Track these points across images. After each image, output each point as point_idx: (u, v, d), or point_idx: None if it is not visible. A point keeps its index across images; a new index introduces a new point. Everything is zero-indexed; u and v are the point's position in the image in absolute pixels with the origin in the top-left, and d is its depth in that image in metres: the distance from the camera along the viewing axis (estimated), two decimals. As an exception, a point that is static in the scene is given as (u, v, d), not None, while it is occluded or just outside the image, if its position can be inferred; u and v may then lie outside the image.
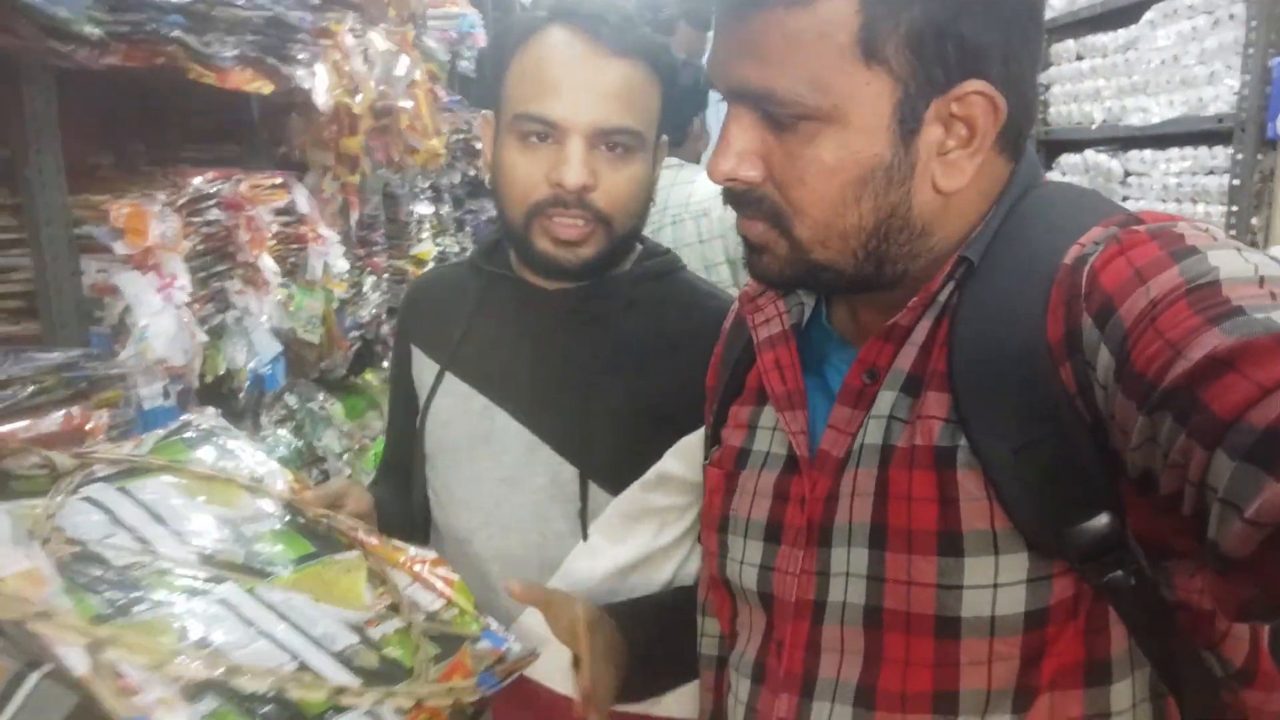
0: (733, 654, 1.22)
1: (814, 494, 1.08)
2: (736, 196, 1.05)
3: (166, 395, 1.86)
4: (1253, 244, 3.00)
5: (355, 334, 3.25)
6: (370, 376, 3.71)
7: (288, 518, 1.27)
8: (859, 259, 1.02)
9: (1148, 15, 3.60)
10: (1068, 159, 4.11)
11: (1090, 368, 0.87)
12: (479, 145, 4.60)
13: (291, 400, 2.85)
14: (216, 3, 1.91)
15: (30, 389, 1.50)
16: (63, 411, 1.54)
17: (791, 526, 1.10)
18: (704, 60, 3.37)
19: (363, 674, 1.03)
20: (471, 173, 4.93)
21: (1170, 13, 3.48)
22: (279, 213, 2.47)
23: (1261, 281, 0.80)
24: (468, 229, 4.97)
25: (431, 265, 3.94)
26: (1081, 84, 4.04)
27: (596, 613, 1.35)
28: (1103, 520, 0.90)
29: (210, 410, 1.45)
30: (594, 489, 1.50)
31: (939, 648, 0.98)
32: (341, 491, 1.38)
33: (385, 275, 3.59)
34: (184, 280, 1.87)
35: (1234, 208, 3.12)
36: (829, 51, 0.94)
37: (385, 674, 1.05)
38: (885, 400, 1.03)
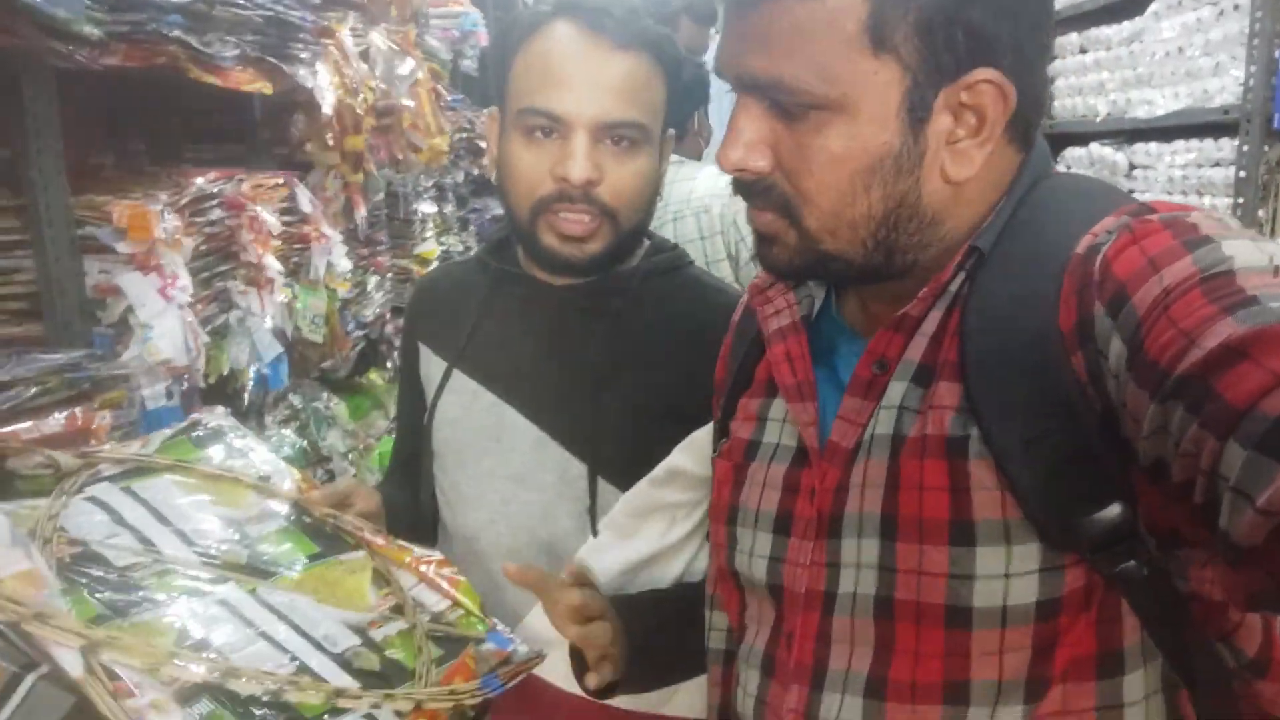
0: (741, 646, 1.22)
1: (824, 485, 1.07)
2: (746, 187, 1.04)
3: (170, 395, 1.86)
4: (1259, 236, 2.98)
5: (359, 333, 3.25)
6: (375, 376, 3.71)
7: (294, 517, 1.27)
8: (868, 248, 1.01)
9: (1152, 7, 3.59)
10: (1072, 152, 4.10)
11: (1102, 356, 0.87)
12: (483, 144, 4.61)
13: (296, 400, 2.85)
14: (217, 2, 1.91)
15: (33, 390, 1.51)
16: (66, 412, 1.54)
17: (801, 518, 1.10)
18: (706, 56, 3.36)
19: (362, 676, 1.03)
20: (475, 171, 4.92)
21: (1174, 4, 3.47)
22: (282, 212, 2.46)
23: (1276, 270, 0.79)
24: (471, 228, 4.97)
25: (435, 264, 3.94)
26: (1085, 77, 4.03)
27: (595, 598, 1.34)
28: (1114, 510, 0.89)
29: (220, 409, 1.45)
30: (603, 485, 1.50)
31: (950, 638, 0.97)
32: (349, 491, 1.37)
33: (389, 274, 3.59)
34: (185, 280, 1.87)
35: (1240, 200, 3.11)
36: (837, 40, 0.94)
37: (386, 676, 1.05)
38: (896, 391, 1.02)
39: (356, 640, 1.08)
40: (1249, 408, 0.70)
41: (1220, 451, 0.72)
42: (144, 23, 1.72)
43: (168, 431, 1.35)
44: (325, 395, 3.07)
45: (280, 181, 2.49)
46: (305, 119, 2.73)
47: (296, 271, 2.60)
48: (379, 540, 1.27)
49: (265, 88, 2.10)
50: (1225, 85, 3.21)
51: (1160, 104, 3.54)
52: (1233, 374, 0.72)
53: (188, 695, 0.88)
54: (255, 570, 1.13)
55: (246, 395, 2.33)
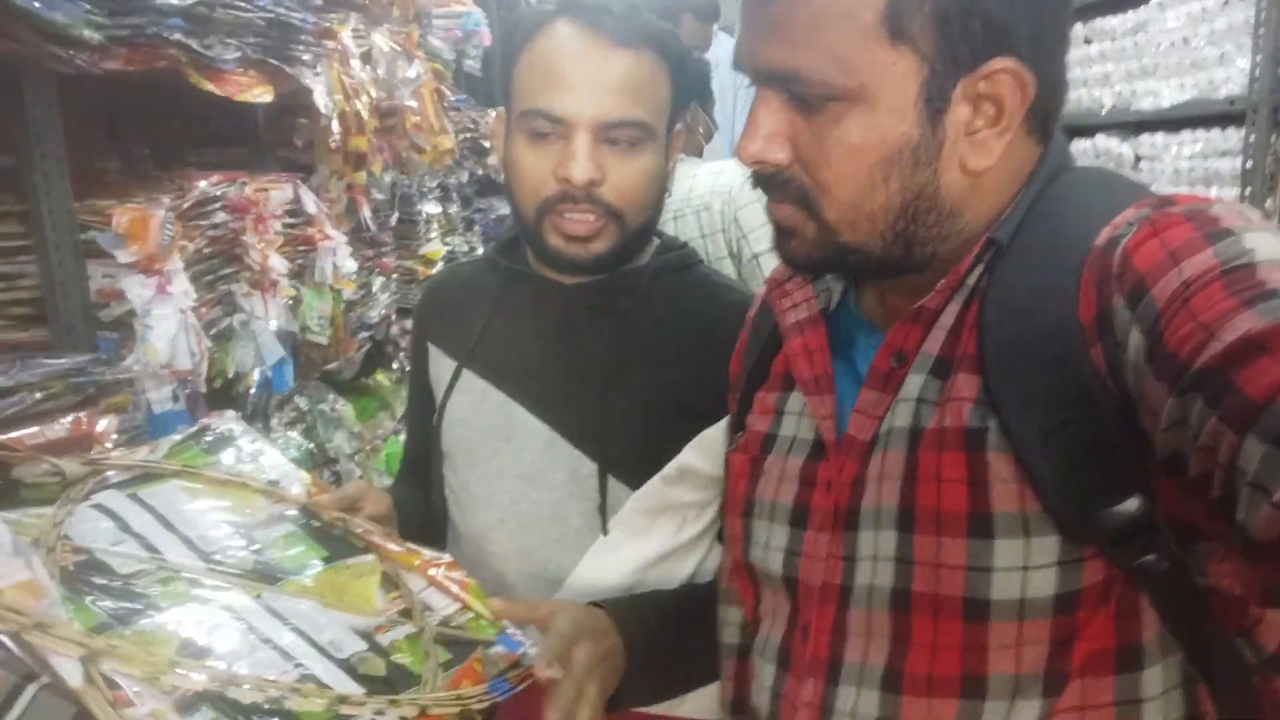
0: (757, 640, 1.22)
1: (840, 478, 1.07)
2: (765, 179, 1.05)
3: (175, 399, 1.86)
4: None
5: (365, 335, 3.24)
6: (381, 377, 3.71)
7: (302, 522, 1.26)
8: (887, 240, 1.01)
9: (1156, -2, 3.59)
10: (1077, 145, 4.10)
11: (1121, 348, 0.86)
12: (487, 144, 4.61)
13: (302, 402, 2.85)
14: (218, 5, 1.91)
15: (38, 395, 1.51)
16: (71, 417, 1.54)
17: (818, 511, 1.10)
18: (709, 53, 3.35)
19: (368, 682, 1.02)
20: (479, 171, 4.92)
21: (1179, -6, 3.47)
22: (285, 214, 2.46)
23: None
24: (476, 228, 4.96)
25: (441, 265, 3.94)
26: (1090, 69, 4.02)
27: (585, 623, 1.31)
28: (1134, 503, 0.89)
29: (230, 413, 1.44)
30: (613, 484, 1.49)
31: (967, 631, 0.97)
32: (358, 494, 1.37)
33: (394, 275, 3.59)
34: (187, 284, 1.87)
35: (1247, 190, 3.11)
36: (854, 31, 0.94)
37: (392, 681, 1.04)
38: (913, 383, 1.02)
39: (363, 645, 1.07)
40: (1268, 402, 0.70)
41: (1239, 445, 0.72)
42: (144, 26, 1.72)
43: (176, 437, 1.34)
44: (331, 397, 3.07)
45: (284, 183, 2.49)
46: (307, 121, 2.72)
47: (301, 273, 2.59)
48: (388, 544, 1.27)
49: (264, 95, 2.10)
50: (1231, 76, 3.20)
51: (1165, 95, 3.53)
52: (1252, 368, 0.72)
53: (188, 704, 0.88)
54: (262, 576, 1.12)
55: (251, 398, 2.33)
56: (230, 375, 2.19)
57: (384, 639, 1.09)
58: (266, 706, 0.91)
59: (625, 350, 1.51)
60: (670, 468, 1.48)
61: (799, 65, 0.96)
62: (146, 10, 1.73)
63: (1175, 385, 0.79)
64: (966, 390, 0.97)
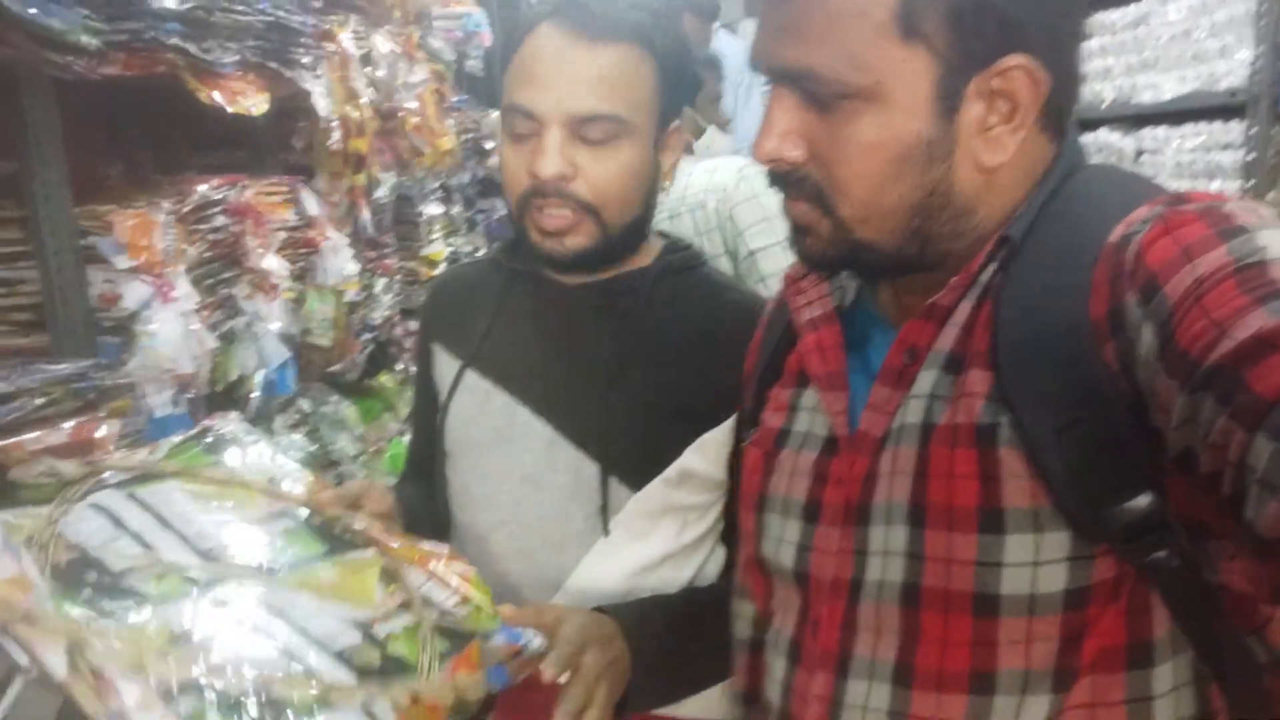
0: (769, 634, 1.23)
1: (852, 473, 1.08)
2: (781, 177, 1.05)
3: (176, 403, 1.86)
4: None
5: (368, 336, 3.24)
6: (385, 379, 3.70)
7: (302, 519, 1.25)
8: (901, 237, 1.02)
9: (1157, -10, 3.58)
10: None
11: (1134, 346, 0.86)
12: (489, 145, 4.61)
13: (305, 405, 2.85)
14: (216, 9, 1.91)
15: (38, 401, 1.50)
16: (72, 423, 1.54)
17: (829, 506, 1.10)
18: (705, 52, 3.32)
19: (361, 672, 1.01)
20: (481, 172, 4.91)
21: (1179, -14, 3.47)
22: (287, 217, 2.46)
23: None
24: (479, 229, 4.95)
25: (443, 266, 3.93)
26: (1091, 62, 4.01)
27: (592, 629, 1.32)
28: (1145, 500, 0.89)
29: (233, 415, 1.44)
30: (615, 486, 1.49)
31: (977, 626, 0.97)
32: (360, 492, 1.37)
33: (397, 277, 3.59)
34: (188, 288, 1.87)
35: (1249, 183, 3.10)
36: (867, 29, 0.94)
37: (386, 671, 1.03)
38: (926, 380, 1.03)
39: (357, 636, 1.06)
40: (1279, 400, 0.70)
41: (1248, 443, 0.72)
42: (142, 31, 1.72)
43: (176, 439, 1.34)
44: (334, 399, 3.07)
45: (285, 186, 2.49)
46: (307, 124, 2.73)
47: (303, 276, 2.60)
48: (389, 539, 1.26)
49: (258, 105, 2.09)
50: (1232, 68, 3.19)
51: (1167, 88, 3.53)
52: (1263, 366, 0.72)
53: (174, 692, 0.87)
54: (258, 571, 1.12)
55: (253, 401, 2.33)
56: (232, 378, 2.19)
57: (380, 631, 1.08)
58: (254, 695, 0.91)
59: (628, 351, 1.51)
60: (672, 470, 1.48)
61: (813, 63, 0.97)
62: (144, 15, 1.73)
63: (1187, 383, 0.79)
64: (979, 386, 0.97)
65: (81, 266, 1.75)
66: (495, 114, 1.62)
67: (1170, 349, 0.81)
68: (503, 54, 1.53)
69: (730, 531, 1.57)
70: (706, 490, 1.52)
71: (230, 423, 1.40)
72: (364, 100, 2.85)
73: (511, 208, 1.48)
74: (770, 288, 2.66)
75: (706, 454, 1.49)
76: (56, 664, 0.83)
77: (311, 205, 2.60)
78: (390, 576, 1.19)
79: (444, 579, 1.23)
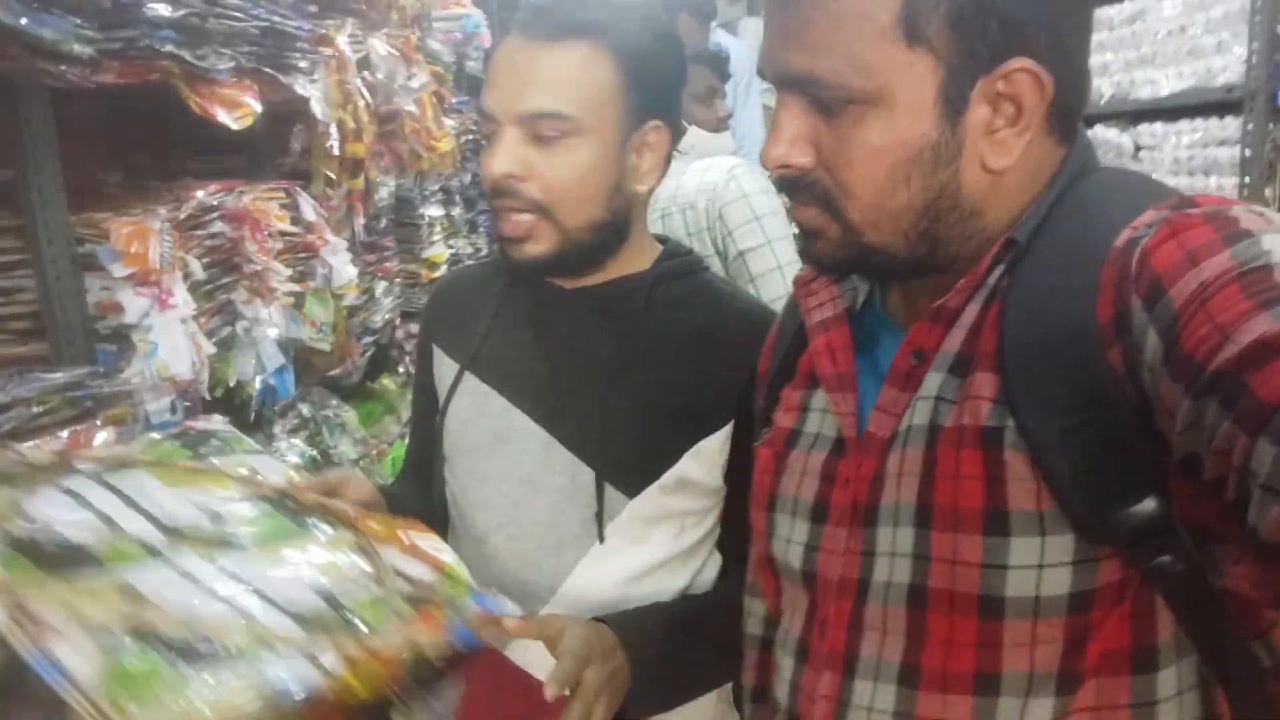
0: (778, 633, 1.24)
1: (859, 474, 1.08)
2: (789, 183, 1.06)
3: (174, 410, 1.86)
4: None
5: (368, 340, 3.25)
6: (386, 381, 3.71)
7: (276, 503, 1.22)
8: (910, 240, 1.03)
9: (1154, -15, 3.58)
10: (1079, 136, 4.08)
11: (1139, 350, 0.87)
12: (488, 145, 4.60)
13: (304, 409, 2.85)
14: (210, 15, 1.91)
15: (35, 410, 1.51)
16: (68, 431, 1.54)
17: (836, 506, 1.11)
18: (701, 50, 3.28)
19: (312, 626, 0.98)
20: (481, 174, 4.90)
21: (1176, -18, 3.46)
22: (285, 222, 2.46)
23: None
24: (480, 230, 4.95)
25: (444, 268, 3.94)
26: (1089, 58, 4.00)
27: (593, 642, 1.32)
28: (1150, 504, 0.90)
29: (217, 417, 1.44)
30: (611, 492, 1.49)
31: (982, 628, 0.98)
32: (340, 480, 1.36)
33: (397, 280, 3.59)
34: (185, 294, 1.87)
35: (1246, 179, 3.10)
36: (871, 34, 0.95)
37: (342, 629, 1.00)
38: (933, 382, 1.04)
39: (318, 601, 1.03)
40: None
41: (1251, 448, 0.73)
42: (136, 39, 1.72)
43: (155, 435, 1.33)
44: (334, 403, 3.07)
45: (283, 191, 2.50)
46: (305, 128, 2.73)
47: (301, 280, 2.60)
48: (370, 523, 1.23)
49: (246, 119, 2.08)
50: (1228, 63, 3.19)
51: (1164, 84, 3.52)
52: (1266, 371, 0.73)
53: (113, 638, 0.85)
54: (220, 542, 1.08)
55: (253, 406, 2.33)
56: (231, 384, 2.20)
57: (345, 599, 1.05)
58: (195, 642, 0.88)
59: (624, 356, 1.51)
60: (668, 477, 1.48)
61: (818, 69, 0.98)
62: (139, 23, 1.73)
63: (1191, 388, 0.79)
64: (985, 389, 0.98)
65: (79, 274, 1.75)
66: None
67: (1175, 354, 0.82)
68: (497, 59, 1.53)
69: (727, 538, 1.57)
70: (703, 497, 1.52)
71: (212, 423, 1.39)
72: (362, 104, 2.85)
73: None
74: (760, 289, 2.65)
75: (703, 461, 1.49)
76: None
77: (310, 210, 2.60)
78: (362, 551, 1.16)
79: (421, 553, 1.21)
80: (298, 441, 2.71)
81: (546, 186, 1.42)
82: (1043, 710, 0.97)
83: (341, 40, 2.79)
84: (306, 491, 1.26)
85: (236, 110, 2.06)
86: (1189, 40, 3.39)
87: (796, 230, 1.13)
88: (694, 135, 2.84)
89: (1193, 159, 3.40)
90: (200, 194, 2.10)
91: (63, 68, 1.54)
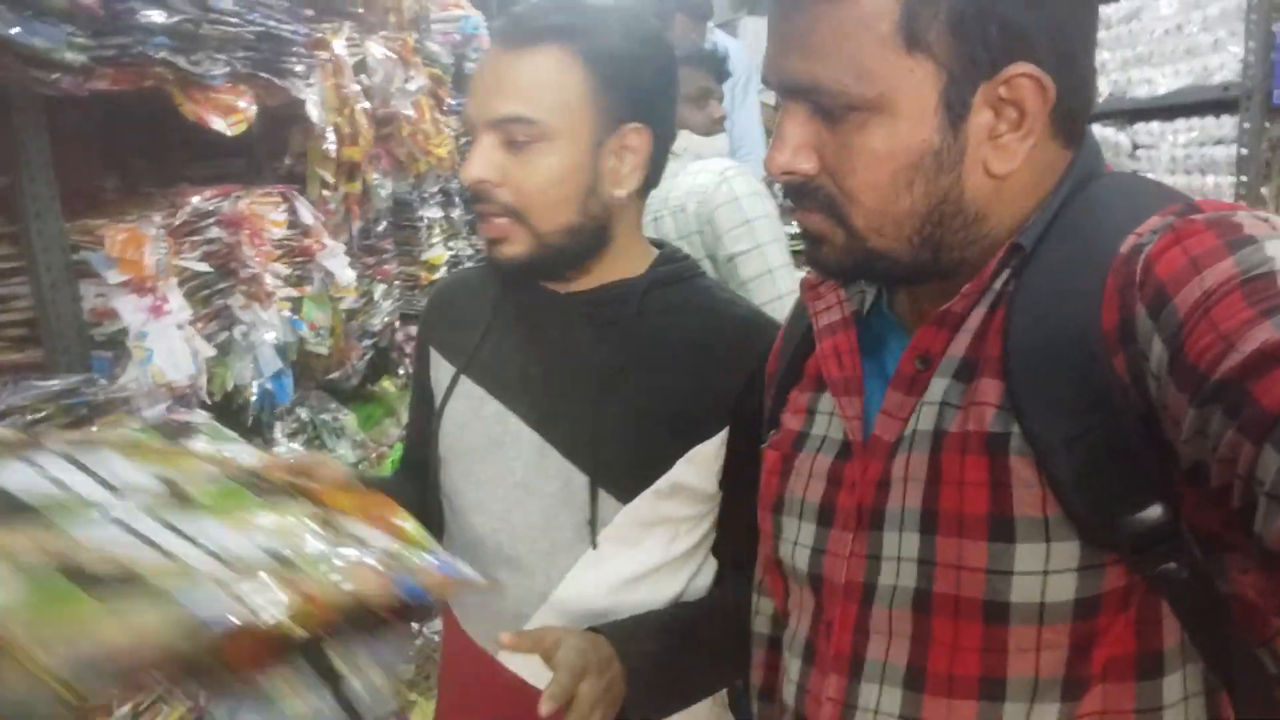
0: (785, 634, 1.24)
1: (865, 478, 1.09)
2: (794, 189, 1.07)
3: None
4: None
5: (368, 342, 3.25)
6: (387, 383, 3.71)
7: (240, 478, 1.18)
8: (914, 245, 1.03)
9: (1150, -16, 3.57)
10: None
11: (1144, 358, 0.87)
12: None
13: (303, 413, 2.85)
14: (204, 21, 1.91)
15: (30, 418, 1.51)
16: (64, 438, 1.54)
17: (842, 510, 1.12)
18: (697, 51, 3.25)
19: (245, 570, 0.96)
20: (481, 175, 4.89)
21: (1172, -20, 3.46)
22: (282, 226, 2.47)
23: None
24: (480, 232, 4.94)
25: (444, 270, 3.94)
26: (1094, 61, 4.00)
27: (589, 654, 1.32)
28: (1156, 511, 0.90)
29: (199, 412, 1.42)
30: (604, 497, 1.49)
31: (987, 633, 0.98)
32: (314, 462, 1.33)
33: (396, 282, 3.59)
34: (181, 301, 1.87)
35: (1243, 178, 3.09)
36: (871, 41, 0.96)
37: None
38: (938, 386, 1.04)
39: (259, 552, 1.00)
40: None
41: (1256, 456, 0.73)
42: (130, 45, 1.72)
43: (134, 425, 1.31)
44: (333, 407, 3.07)
45: (280, 195, 2.50)
46: (301, 132, 2.73)
47: (299, 284, 2.60)
48: (335, 497, 1.20)
49: (239, 125, 2.08)
50: (1225, 62, 3.19)
51: (1161, 83, 3.52)
52: (1269, 379, 0.73)
53: (35, 571, 0.85)
54: (172, 505, 1.05)
55: (251, 411, 2.34)
56: (229, 389, 2.20)
57: (287, 551, 1.02)
58: (120, 576, 0.87)
59: (617, 362, 1.51)
60: (662, 482, 1.48)
61: (820, 77, 0.98)
62: (132, 29, 1.72)
63: (1195, 396, 0.80)
64: (990, 395, 0.98)
65: (74, 282, 1.76)
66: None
67: (1179, 362, 0.82)
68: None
69: (724, 542, 1.58)
70: (698, 502, 1.52)
71: (193, 416, 1.38)
72: (359, 107, 2.85)
73: None
74: (751, 293, 2.64)
75: (698, 466, 1.49)
76: None
77: (307, 214, 2.60)
78: (319, 519, 1.14)
79: (382, 523, 1.18)
80: (297, 445, 2.71)
81: (518, 191, 1.42)
82: (1048, 715, 0.98)
83: (338, 44, 2.79)
84: (277, 471, 1.23)
85: (231, 115, 2.06)
86: (1185, 39, 3.38)
87: (800, 233, 1.13)
88: (687, 138, 2.82)
89: (1189, 158, 3.40)
90: (196, 199, 2.10)
91: (55, 76, 1.53)
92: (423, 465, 1.69)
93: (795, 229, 3.41)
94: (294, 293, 2.47)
